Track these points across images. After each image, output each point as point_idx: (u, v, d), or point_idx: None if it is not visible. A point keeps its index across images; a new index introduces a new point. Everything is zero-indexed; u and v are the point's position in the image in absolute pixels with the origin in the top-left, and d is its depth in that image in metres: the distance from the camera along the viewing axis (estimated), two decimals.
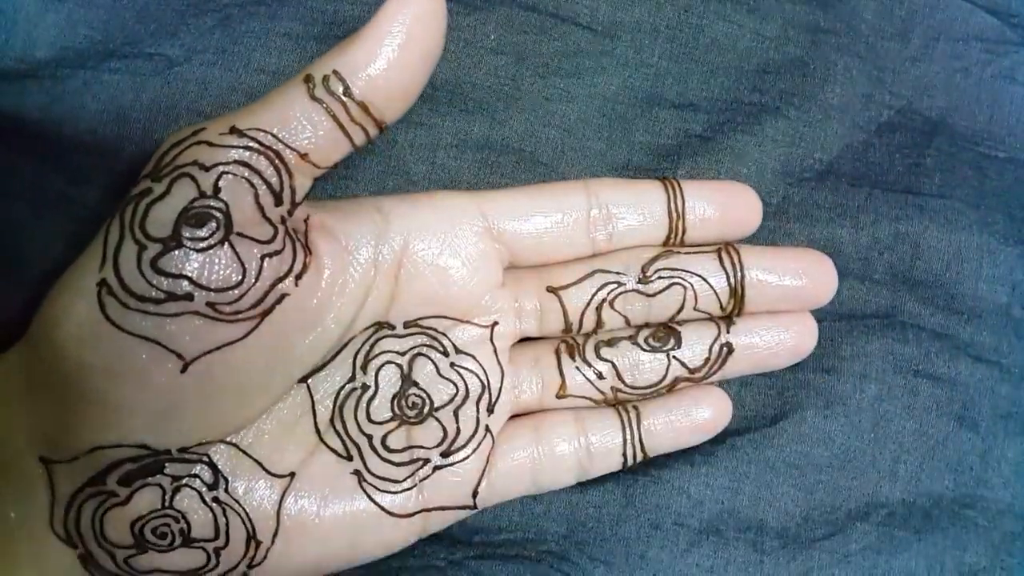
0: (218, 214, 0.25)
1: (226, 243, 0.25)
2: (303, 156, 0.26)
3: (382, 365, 0.29)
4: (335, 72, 0.25)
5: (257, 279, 0.25)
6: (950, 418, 0.33)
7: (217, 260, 0.25)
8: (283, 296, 0.26)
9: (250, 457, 0.27)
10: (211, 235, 0.25)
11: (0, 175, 0.31)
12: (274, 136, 0.25)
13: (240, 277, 0.25)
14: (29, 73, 0.31)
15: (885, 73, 0.35)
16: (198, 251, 0.24)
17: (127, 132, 0.31)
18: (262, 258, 0.25)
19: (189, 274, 0.24)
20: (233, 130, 0.25)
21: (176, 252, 0.24)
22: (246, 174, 0.25)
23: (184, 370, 0.25)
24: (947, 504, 0.33)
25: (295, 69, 0.32)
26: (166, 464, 0.26)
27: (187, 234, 0.24)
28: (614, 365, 0.30)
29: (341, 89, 0.25)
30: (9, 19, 0.31)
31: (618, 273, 0.30)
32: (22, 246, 0.31)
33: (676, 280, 0.30)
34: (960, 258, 0.34)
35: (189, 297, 0.24)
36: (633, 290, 0.30)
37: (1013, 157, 0.36)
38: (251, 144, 0.25)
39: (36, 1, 0.31)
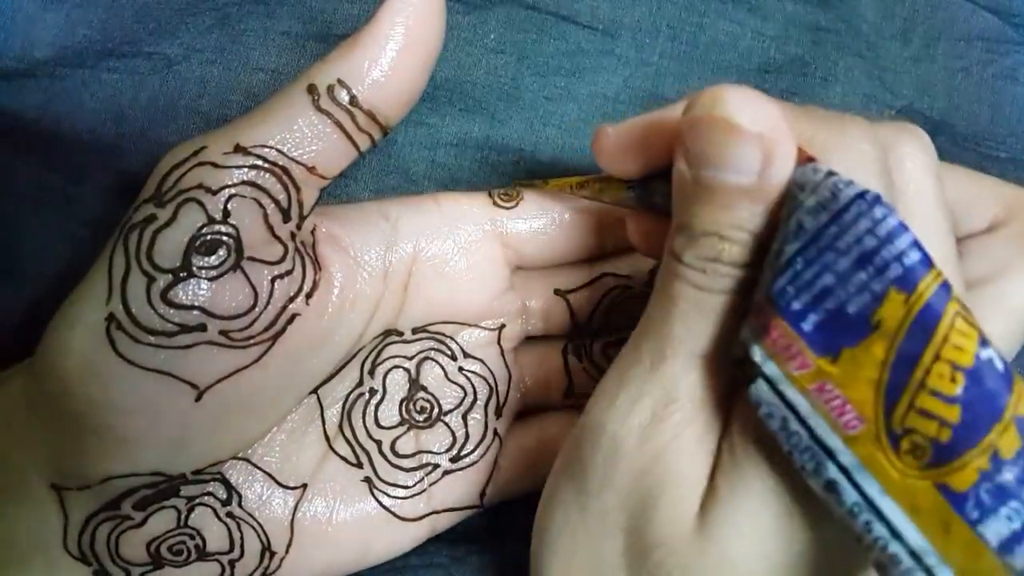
0: (228, 240, 0.24)
1: (238, 269, 0.24)
2: (311, 169, 0.25)
3: (390, 370, 0.29)
4: (340, 81, 0.25)
5: (269, 303, 0.25)
6: None
7: (229, 287, 0.24)
8: (294, 317, 0.25)
9: (262, 471, 0.27)
10: (222, 262, 0.24)
11: None
12: (280, 151, 0.25)
13: (252, 302, 0.24)
14: (28, 72, 0.31)
15: (886, 73, 0.35)
16: (209, 280, 0.24)
17: (126, 131, 0.31)
18: (273, 280, 0.25)
19: (201, 304, 0.24)
20: (237, 148, 0.25)
21: (187, 283, 0.24)
22: (254, 195, 0.25)
23: (198, 399, 0.24)
24: None
25: (294, 68, 0.32)
26: (181, 487, 0.26)
27: (197, 263, 0.24)
28: None
29: (347, 98, 0.25)
30: (8, 18, 0.31)
31: (626, 276, 0.30)
32: (21, 245, 0.31)
33: None
34: None
35: (202, 328, 0.24)
36: (641, 293, 0.30)
37: (1014, 157, 0.36)
38: (258, 162, 0.25)
39: (35, 0, 0.31)
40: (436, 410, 0.29)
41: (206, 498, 0.26)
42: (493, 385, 0.29)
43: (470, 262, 0.29)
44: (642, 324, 0.23)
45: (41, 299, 0.31)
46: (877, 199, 0.19)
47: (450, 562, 0.31)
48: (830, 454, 0.20)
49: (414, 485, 0.28)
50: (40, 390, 0.25)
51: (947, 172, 0.25)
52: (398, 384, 0.29)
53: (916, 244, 0.19)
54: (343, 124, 0.25)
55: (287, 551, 0.27)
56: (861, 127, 0.21)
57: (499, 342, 0.30)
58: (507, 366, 0.30)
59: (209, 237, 0.24)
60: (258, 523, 0.27)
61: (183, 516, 0.26)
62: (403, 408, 0.29)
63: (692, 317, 0.22)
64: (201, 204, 0.24)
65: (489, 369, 0.29)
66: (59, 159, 0.31)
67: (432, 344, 0.29)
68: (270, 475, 0.27)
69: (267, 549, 0.27)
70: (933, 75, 0.35)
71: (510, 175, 0.33)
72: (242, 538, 0.27)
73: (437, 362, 0.29)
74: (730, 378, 0.22)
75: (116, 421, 0.24)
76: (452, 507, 0.29)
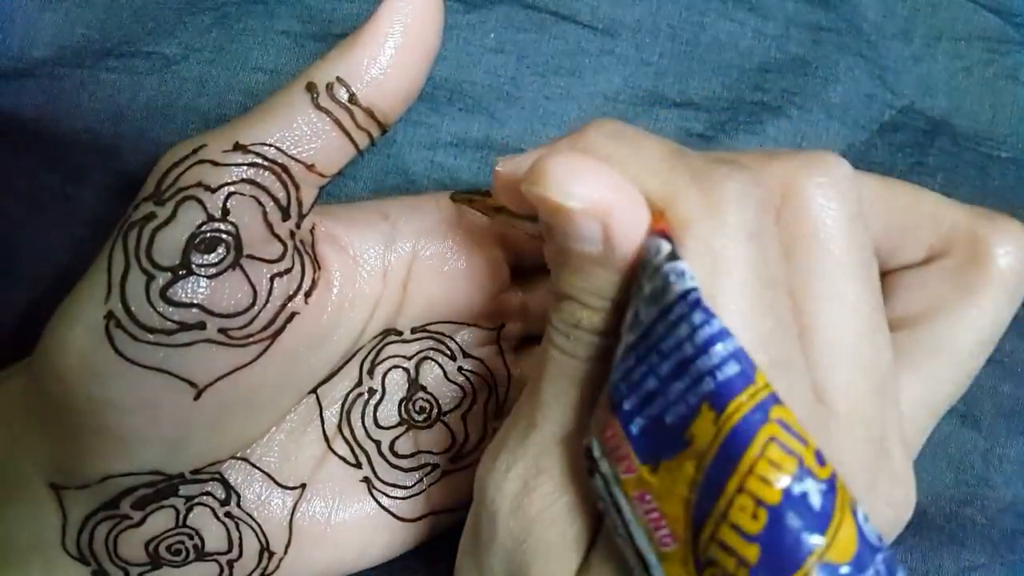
0: (228, 237, 0.24)
1: (237, 267, 0.24)
2: (310, 167, 0.25)
3: (389, 370, 0.28)
4: (339, 79, 0.25)
5: (268, 301, 0.25)
6: (952, 416, 0.33)
7: (228, 285, 0.24)
8: (293, 315, 0.25)
9: (261, 470, 0.27)
10: (221, 260, 0.24)
11: None
12: (279, 149, 0.25)
13: (251, 300, 0.24)
14: (26, 72, 0.31)
15: (887, 72, 0.35)
16: (208, 277, 0.24)
17: (124, 131, 0.31)
18: (272, 278, 0.25)
19: (200, 302, 0.24)
20: (237, 146, 0.25)
21: (186, 280, 0.24)
22: (254, 192, 0.25)
23: (197, 398, 0.24)
24: (946, 502, 0.33)
25: (293, 67, 0.32)
26: (179, 486, 0.26)
27: (197, 261, 0.24)
28: None
29: (346, 96, 0.25)
30: (7, 18, 0.31)
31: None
32: (20, 245, 0.31)
33: None
34: None
35: (201, 326, 0.24)
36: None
37: (1015, 157, 0.36)
38: (257, 160, 0.25)
39: (33, 0, 0.31)
40: (435, 410, 0.29)
41: (205, 498, 0.26)
42: (492, 385, 0.29)
43: (469, 262, 0.29)
44: (526, 386, 0.23)
45: (40, 299, 0.31)
46: (697, 302, 0.17)
47: (450, 563, 0.31)
48: (645, 566, 0.18)
49: (413, 485, 0.28)
50: (39, 389, 0.25)
51: (881, 192, 0.24)
52: (397, 384, 0.29)
53: (735, 357, 0.17)
54: (342, 122, 0.25)
55: (286, 551, 0.27)
56: (733, 182, 0.19)
57: (498, 342, 0.29)
58: (506, 366, 0.29)
59: (208, 235, 0.24)
60: (257, 523, 0.27)
61: (182, 516, 0.26)
62: (402, 408, 0.29)
63: (558, 383, 0.21)
64: (200, 202, 0.24)
65: (488, 369, 0.29)
66: (58, 159, 0.31)
67: (431, 344, 0.29)
68: (269, 475, 0.27)
69: (266, 549, 0.27)
70: (934, 75, 0.35)
71: None
72: (241, 538, 0.26)
73: (436, 362, 0.29)
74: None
75: (115, 419, 0.24)
76: (452, 508, 0.29)
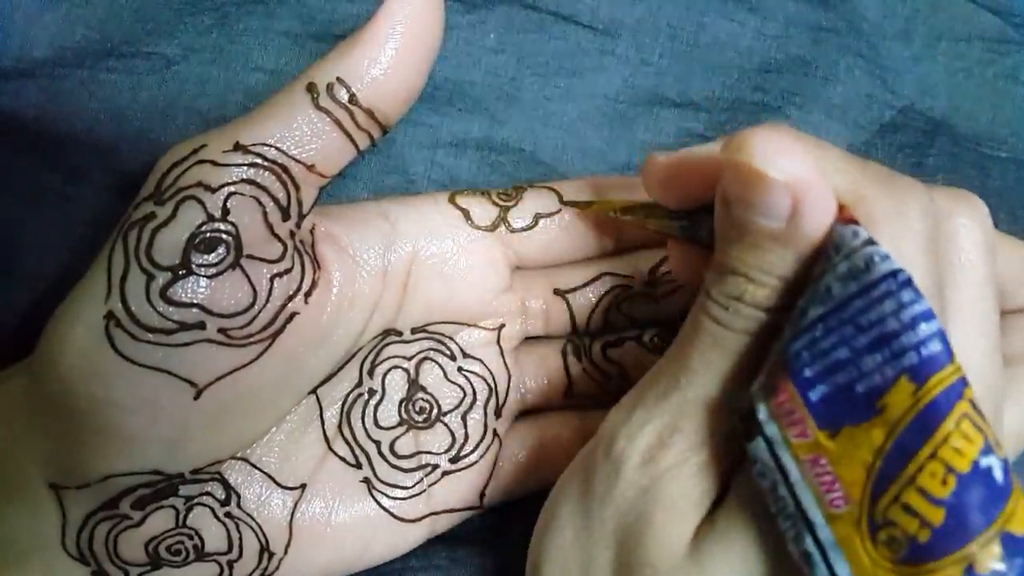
0: (227, 237, 0.24)
1: (236, 267, 0.24)
2: (310, 168, 0.25)
3: (389, 370, 0.28)
4: (339, 79, 0.25)
5: (268, 301, 0.25)
6: None
7: (228, 285, 0.24)
8: (293, 315, 0.25)
9: (261, 471, 0.27)
10: (221, 260, 0.24)
11: None
12: (279, 150, 0.25)
13: (251, 300, 0.24)
14: (27, 72, 0.31)
15: (887, 73, 0.35)
16: (208, 277, 0.24)
17: (125, 131, 0.31)
18: (272, 279, 0.25)
19: (200, 302, 0.24)
20: (237, 146, 0.25)
21: (186, 280, 0.24)
22: (254, 193, 0.25)
23: (197, 397, 0.24)
24: None
25: (293, 68, 0.32)
26: (179, 486, 0.26)
27: (197, 260, 0.24)
28: (620, 366, 0.30)
29: (346, 96, 0.25)
30: (7, 18, 0.31)
31: (626, 276, 0.30)
32: (20, 245, 0.31)
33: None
34: None
35: (201, 325, 0.24)
36: (641, 293, 0.30)
37: (1015, 157, 0.36)
38: (257, 161, 0.25)
39: (34, 0, 0.31)
40: (435, 410, 0.29)
41: (205, 498, 0.26)
42: (492, 385, 0.29)
43: (469, 262, 0.29)
44: (670, 349, 0.24)
45: (40, 299, 0.31)
46: (908, 282, 0.18)
47: (449, 564, 0.31)
48: (810, 527, 0.19)
49: (413, 486, 0.28)
50: (40, 388, 0.25)
51: (1000, 243, 0.25)
52: (397, 384, 0.29)
53: (938, 336, 0.18)
54: (342, 122, 0.25)
55: (286, 552, 0.27)
56: (917, 195, 0.21)
57: (498, 342, 0.29)
58: (506, 366, 0.30)
59: (208, 235, 0.24)
60: (257, 523, 0.27)
61: (181, 516, 0.26)
62: (402, 408, 0.29)
63: (710, 352, 0.22)
64: (200, 202, 0.24)
65: (488, 369, 0.29)
66: (58, 159, 0.31)
67: (431, 344, 0.29)
68: (269, 475, 0.27)
69: (266, 550, 0.27)
70: (934, 75, 0.35)
71: (510, 175, 0.33)
72: (241, 538, 0.26)
73: (436, 362, 0.29)
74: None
75: (115, 419, 0.24)
76: (452, 508, 0.29)
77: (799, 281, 0.20)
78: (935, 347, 0.18)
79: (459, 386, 0.29)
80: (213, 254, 0.24)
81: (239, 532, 0.27)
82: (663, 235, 0.27)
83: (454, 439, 0.29)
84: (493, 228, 0.29)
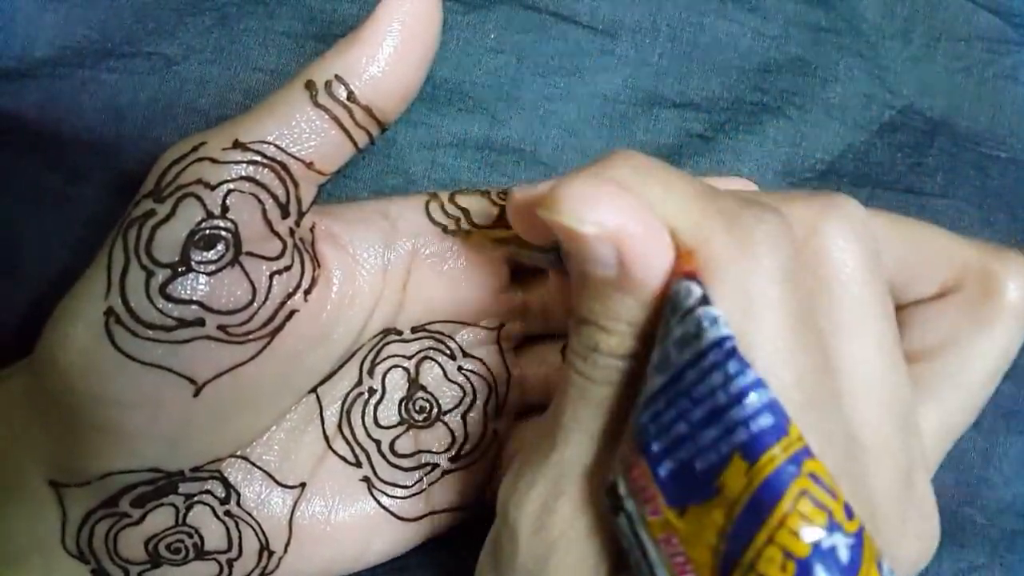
0: (227, 235, 0.24)
1: (236, 264, 0.24)
2: (309, 165, 0.25)
3: (389, 369, 0.29)
4: (337, 77, 0.25)
5: (267, 298, 0.25)
6: None
7: (227, 282, 0.24)
8: (293, 313, 0.25)
9: (260, 469, 0.27)
10: (220, 257, 0.24)
11: None
12: (278, 147, 0.25)
13: (250, 298, 0.24)
14: (27, 72, 0.31)
15: (887, 73, 0.35)
16: (208, 274, 0.24)
17: (125, 131, 0.31)
18: (271, 276, 0.25)
19: (199, 299, 0.24)
20: (236, 144, 0.25)
21: (186, 277, 0.24)
22: (253, 190, 0.25)
23: (196, 394, 0.24)
24: (946, 502, 0.33)
25: (293, 68, 0.32)
26: (179, 484, 0.26)
27: (196, 257, 0.24)
28: None
29: (345, 94, 0.25)
30: (7, 18, 0.31)
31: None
32: (21, 245, 0.31)
33: None
34: None
35: (200, 322, 0.24)
36: None
37: (1015, 157, 0.36)
38: (256, 158, 0.25)
39: (34, 0, 0.31)
40: (435, 409, 0.29)
41: (204, 496, 0.26)
42: (492, 384, 0.29)
43: (469, 261, 0.29)
44: (549, 407, 0.23)
45: (41, 298, 0.31)
46: (732, 351, 0.17)
47: (450, 563, 0.31)
48: None
49: (413, 485, 0.28)
50: (40, 386, 0.25)
51: (895, 230, 0.24)
52: (397, 383, 0.29)
53: (769, 408, 0.17)
54: (341, 120, 0.25)
55: (286, 550, 0.27)
56: (766, 225, 0.19)
57: (498, 341, 0.29)
58: (506, 365, 0.30)
59: (208, 232, 0.24)
60: (256, 522, 0.27)
61: (181, 514, 0.26)
62: (402, 407, 0.29)
63: (579, 408, 0.21)
64: (200, 199, 0.24)
65: (488, 368, 0.29)
66: (59, 159, 0.31)
67: (431, 343, 0.29)
68: (269, 474, 0.27)
69: (265, 548, 0.27)
70: (933, 75, 0.35)
71: (510, 175, 0.33)
72: (240, 537, 0.27)
73: (436, 361, 0.29)
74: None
75: (115, 416, 0.24)
76: (451, 507, 0.29)
77: (649, 328, 0.20)
78: (765, 421, 0.17)
79: (459, 385, 0.29)
80: (212, 251, 0.24)
81: (239, 531, 0.27)
82: (537, 265, 0.26)
83: (454, 438, 0.29)
84: (493, 228, 0.29)
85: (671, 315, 0.18)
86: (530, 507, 0.22)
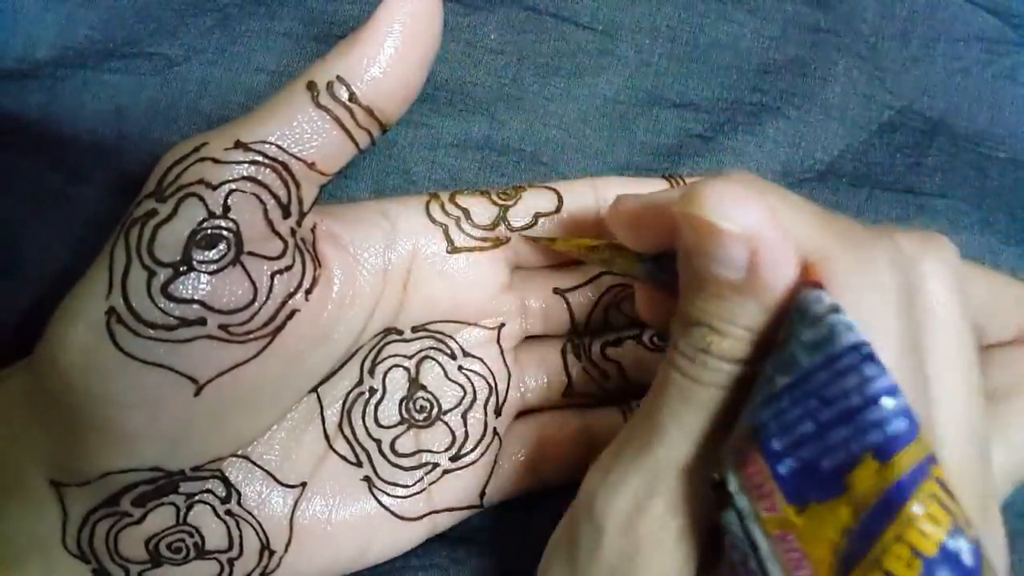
0: (228, 234, 0.24)
1: (237, 263, 0.24)
2: (310, 165, 0.26)
3: (389, 369, 0.29)
4: (339, 78, 0.25)
5: (268, 298, 0.25)
6: None
7: (228, 281, 0.24)
8: (294, 312, 0.25)
9: (261, 469, 0.27)
10: (222, 256, 0.24)
11: (0, 174, 0.31)
12: (280, 147, 0.25)
13: (251, 297, 0.25)
14: (29, 73, 0.31)
15: (886, 73, 0.35)
16: (209, 274, 0.24)
17: (126, 131, 0.31)
18: (272, 275, 0.25)
19: (201, 298, 0.24)
20: (238, 144, 0.25)
21: (187, 276, 0.24)
22: (255, 190, 0.25)
23: (197, 394, 0.24)
24: None
25: (295, 69, 0.32)
26: (180, 484, 0.26)
27: (198, 257, 0.24)
28: (620, 365, 0.30)
29: (346, 95, 0.25)
30: (9, 19, 0.31)
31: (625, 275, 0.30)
32: (21, 245, 0.31)
33: None
34: (962, 258, 0.34)
35: (202, 321, 0.24)
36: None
37: (1014, 158, 0.36)
38: (258, 158, 0.25)
39: (36, 1, 0.31)
40: (436, 409, 0.29)
41: (205, 495, 0.26)
42: (493, 384, 0.29)
43: (469, 261, 0.29)
44: (642, 404, 0.23)
45: (42, 299, 0.31)
46: (870, 355, 0.18)
47: (449, 563, 0.31)
48: None
49: (414, 484, 0.28)
50: (40, 386, 0.25)
51: (975, 278, 0.25)
52: (398, 383, 0.29)
53: (903, 412, 0.18)
54: (342, 120, 0.25)
55: (286, 550, 0.27)
56: (883, 249, 0.20)
57: (499, 341, 0.30)
58: (507, 365, 0.30)
59: (209, 231, 0.24)
60: (257, 521, 0.27)
61: (182, 513, 0.26)
62: (403, 407, 0.29)
63: (680, 408, 0.21)
64: (202, 199, 0.24)
65: (489, 368, 0.29)
66: (60, 159, 0.31)
67: (432, 343, 0.29)
68: (269, 473, 0.27)
69: (266, 548, 0.27)
70: (932, 76, 0.35)
71: (510, 175, 0.33)
72: (241, 536, 0.27)
73: (437, 361, 0.29)
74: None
75: (116, 415, 0.24)
76: (452, 507, 0.29)
77: (766, 333, 0.20)
78: (900, 425, 0.17)
79: (459, 385, 0.29)
80: (214, 250, 0.24)
81: (239, 530, 0.27)
82: (630, 277, 0.26)
83: (454, 438, 0.29)
84: (493, 227, 0.29)
85: (799, 320, 0.19)
86: (621, 504, 0.22)
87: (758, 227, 0.19)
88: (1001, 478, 0.24)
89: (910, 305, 0.20)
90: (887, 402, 0.18)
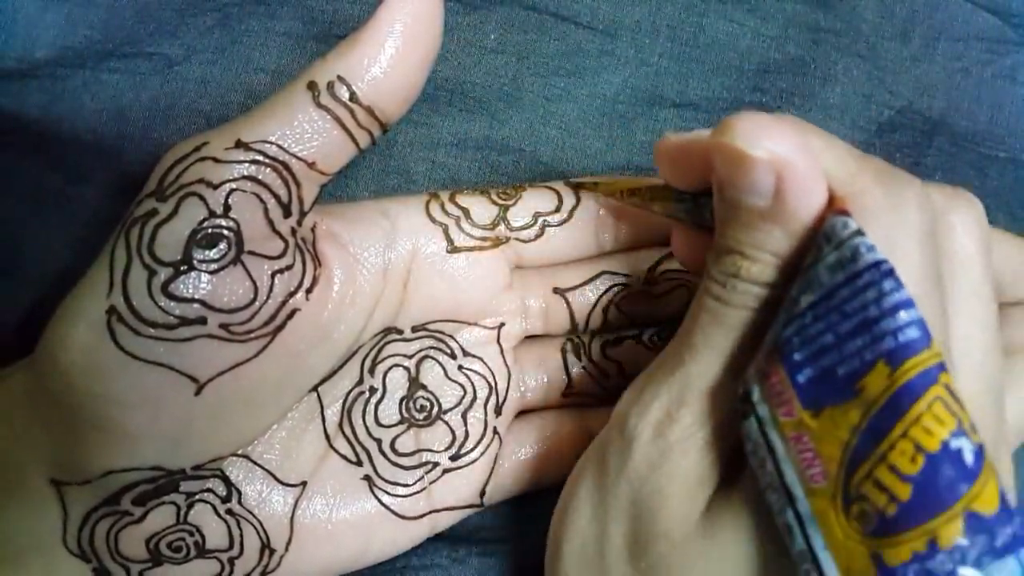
0: (229, 233, 0.24)
1: (238, 263, 0.24)
2: (311, 165, 0.26)
3: (389, 368, 0.29)
4: (339, 77, 0.25)
5: (269, 297, 0.25)
6: None
7: (229, 281, 0.24)
8: (294, 312, 0.25)
9: (262, 468, 0.27)
10: (222, 256, 0.24)
11: (0, 174, 0.31)
12: (280, 147, 0.25)
13: (252, 296, 0.25)
14: (29, 73, 0.31)
15: (886, 73, 0.35)
16: (210, 273, 0.24)
17: (126, 131, 0.31)
18: (273, 275, 0.25)
19: (201, 297, 0.24)
20: (239, 144, 0.25)
21: (188, 276, 0.24)
22: (255, 189, 0.25)
23: (198, 393, 0.24)
24: None
25: (294, 68, 0.32)
26: (180, 483, 0.26)
27: (198, 256, 0.24)
28: (620, 365, 0.30)
29: (347, 95, 0.25)
30: (9, 19, 0.31)
31: (625, 275, 0.30)
32: (21, 245, 0.31)
33: (683, 282, 0.30)
34: None
35: (202, 321, 0.24)
36: (640, 291, 0.30)
37: (1014, 157, 0.36)
38: (258, 158, 0.25)
39: (36, 1, 0.31)
40: (436, 408, 0.29)
41: (205, 495, 0.26)
42: (493, 384, 0.29)
43: (469, 260, 0.29)
44: (679, 330, 0.24)
45: (42, 298, 0.31)
46: (890, 271, 0.19)
47: (450, 563, 0.31)
48: (792, 500, 0.20)
49: (414, 483, 0.28)
50: (41, 385, 0.25)
51: (997, 239, 0.26)
52: (398, 382, 0.29)
53: (917, 323, 0.19)
54: (343, 120, 0.25)
55: (287, 549, 0.27)
56: (914, 189, 0.21)
57: (499, 340, 0.30)
58: (507, 364, 0.30)
59: (210, 231, 0.24)
60: (258, 520, 0.27)
61: (182, 512, 0.26)
62: (403, 406, 0.29)
63: (711, 329, 0.23)
64: (202, 198, 0.24)
65: (489, 368, 0.29)
66: (60, 159, 0.31)
67: (432, 342, 0.29)
68: (270, 472, 0.27)
69: (267, 547, 0.27)
70: (932, 75, 0.35)
71: (510, 175, 0.33)
72: (242, 535, 0.27)
73: (437, 360, 0.29)
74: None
75: (117, 414, 0.24)
76: (452, 506, 0.29)
77: (792, 260, 0.21)
78: (912, 333, 0.19)
79: (459, 384, 0.29)
80: (214, 250, 0.24)
81: (240, 529, 0.27)
82: (667, 217, 0.27)
83: (454, 437, 0.29)
84: (493, 227, 0.29)
85: (825, 243, 0.20)
86: (652, 415, 0.24)
87: (786, 155, 0.20)
88: (1013, 430, 0.25)
89: (936, 249, 0.21)
90: (903, 314, 0.19)
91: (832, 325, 0.20)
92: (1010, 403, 0.24)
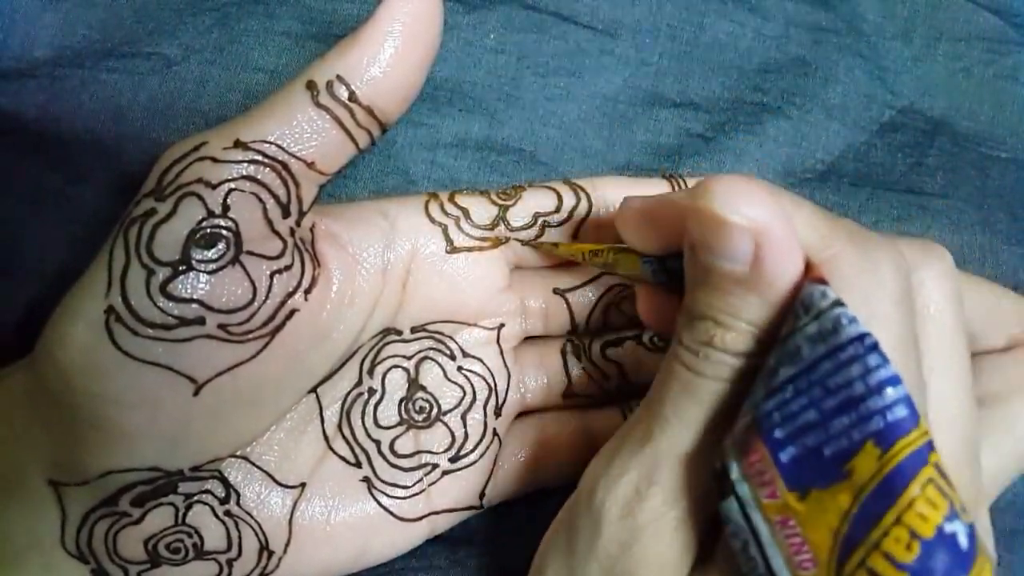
0: (227, 233, 0.24)
1: (236, 263, 0.24)
2: (310, 165, 0.26)
3: (389, 369, 0.29)
4: (339, 77, 0.25)
5: (267, 297, 0.25)
6: None
7: (227, 281, 0.24)
8: (293, 312, 0.25)
9: (260, 469, 0.27)
10: (221, 256, 0.24)
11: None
12: (279, 147, 0.25)
13: (251, 296, 0.25)
14: (27, 72, 0.31)
15: (887, 73, 0.35)
16: (208, 273, 0.24)
17: (125, 131, 0.31)
18: (271, 275, 0.25)
19: (200, 297, 0.24)
20: (237, 143, 0.25)
21: (186, 276, 0.24)
22: (254, 189, 0.25)
23: (196, 393, 0.24)
24: None
25: (293, 68, 0.32)
26: (179, 484, 0.26)
27: (197, 256, 0.24)
28: (620, 365, 0.30)
29: (346, 94, 0.25)
30: (7, 18, 0.31)
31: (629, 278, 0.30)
32: (21, 245, 0.31)
33: None
34: (963, 258, 0.34)
35: (201, 321, 0.24)
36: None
37: (1015, 157, 0.36)
38: (257, 158, 0.25)
39: (34, 0, 0.31)
40: (435, 410, 0.29)
41: (204, 496, 0.26)
42: (492, 385, 0.29)
43: (469, 261, 0.29)
44: (646, 396, 0.23)
45: (41, 298, 0.31)
46: (874, 346, 0.19)
47: (449, 564, 0.31)
48: None
49: (413, 485, 0.28)
50: (40, 385, 0.25)
51: (970, 287, 0.26)
52: (397, 384, 0.29)
53: (904, 401, 0.18)
54: (342, 120, 0.25)
55: (285, 550, 0.27)
56: (887, 251, 0.21)
57: (498, 341, 0.29)
58: (506, 366, 0.30)
59: (208, 231, 0.24)
60: (256, 522, 0.27)
61: (181, 514, 0.26)
62: (402, 408, 0.29)
63: (683, 400, 0.22)
64: (201, 198, 0.24)
65: (488, 369, 0.29)
66: (59, 159, 0.31)
67: (431, 343, 0.29)
68: (268, 474, 0.27)
69: (265, 548, 0.27)
70: (934, 75, 0.35)
71: (510, 175, 0.33)
72: (240, 537, 0.27)
73: (436, 361, 0.29)
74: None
75: (115, 414, 0.24)
76: (451, 507, 0.29)
77: (769, 329, 0.20)
78: (901, 412, 0.18)
79: (459, 385, 0.29)
80: (213, 250, 0.24)
81: (238, 531, 0.27)
82: (632, 280, 0.26)
83: (454, 438, 0.29)
84: (492, 227, 0.29)
85: (803, 312, 0.20)
86: (620, 492, 0.22)
87: (764, 221, 0.19)
88: (989, 482, 0.25)
89: (911, 309, 0.21)
90: (890, 391, 0.18)
91: (815, 401, 0.19)
92: (986, 455, 0.24)
